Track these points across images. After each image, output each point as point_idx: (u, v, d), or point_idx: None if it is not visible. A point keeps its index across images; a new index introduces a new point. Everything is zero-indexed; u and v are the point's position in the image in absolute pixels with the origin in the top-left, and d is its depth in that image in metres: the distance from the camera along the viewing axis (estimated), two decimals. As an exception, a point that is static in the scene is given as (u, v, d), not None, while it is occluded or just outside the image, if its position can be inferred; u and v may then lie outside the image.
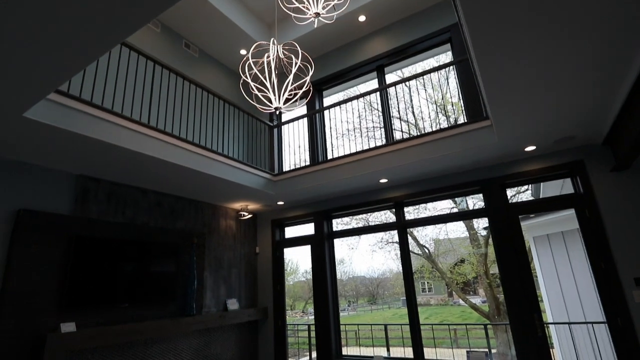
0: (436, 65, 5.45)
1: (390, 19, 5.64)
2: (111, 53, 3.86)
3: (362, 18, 5.59)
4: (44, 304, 3.42)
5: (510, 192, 7.41)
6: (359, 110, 5.29)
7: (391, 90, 5.59)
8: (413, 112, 6.69)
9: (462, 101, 4.78)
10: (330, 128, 5.57)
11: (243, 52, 6.11)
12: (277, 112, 3.47)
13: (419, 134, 4.33)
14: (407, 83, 4.86)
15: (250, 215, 5.98)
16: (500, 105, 3.10)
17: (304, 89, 3.52)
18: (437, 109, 6.14)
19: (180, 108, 4.41)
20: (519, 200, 4.44)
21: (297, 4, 3.51)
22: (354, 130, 5.52)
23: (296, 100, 3.64)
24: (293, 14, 3.54)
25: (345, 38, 6.02)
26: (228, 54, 6.11)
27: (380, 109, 5.53)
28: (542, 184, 5.22)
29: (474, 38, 2.29)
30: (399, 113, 5.21)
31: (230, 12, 5.44)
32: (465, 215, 5.83)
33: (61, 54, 2.06)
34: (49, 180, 3.67)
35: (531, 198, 6.71)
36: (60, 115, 2.98)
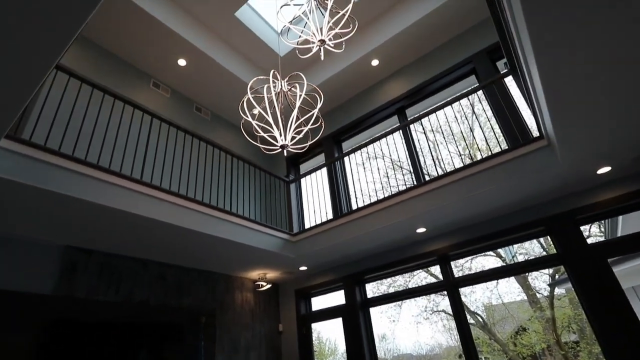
0: (461, 104, 4.98)
1: (404, 60, 5.35)
2: (101, 108, 3.61)
3: (375, 62, 5.34)
4: (5, 415, 2.68)
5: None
6: (385, 169, 4.76)
7: (418, 128, 5.07)
8: (437, 161, 6.07)
9: (499, 128, 4.14)
10: (352, 178, 4.99)
11: (255, 111, 5.91)
12: (285, 152, 2.97)
13: (455, 168, 3.64)
14: (434, 114, 4.33)
15: (269, 286, 5.19)
16: (566, 116, 2.45)
17: (311, 124, 3.03)
18: (473, 136, 5.51)
19: (180, 164, 4.02)
20: (603, 240, 3.49)
21: (302, 36, 3.20)
22: (382, 189, 4.92)
23: (306, 137, 3.13)
24: (297, 46, 3.22)
25: (360, 85, 5.74)
26: (239, 114, 5.91)
27: (405, 148, 4.96)
28: (620, 217, 4.23)
29: (535, 34, 1.82)
30: (432, 155, 4.62)
31: (240, 71, 5.34)
32: (532, 265, 4.37)
33: None
34: (28, 253, 3.16)
35: (601, 239, 5.54)
36: (37, 173, 2.58)
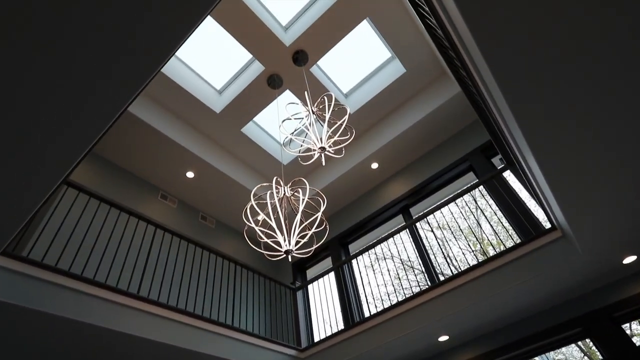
0: (464, 200, 5.03)
1: (403, 161, 5.58)
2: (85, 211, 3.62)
3: (374, 166, 5.56)
4: None
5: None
6: (396, 270, 4.58)
7: (425, 227, 4.99)
8: (449, 259, 5.85)
9: (507, 221, 4.05)
10: (362, 281, 4.72)
11: (259, 217, 5.95)
12: (290, 257, 2.85)
13: (469, 266, 3.45)
14: (440, 211, 4.29)
15: (276, 417, 4.43)
16: (578, 209, 2.41)
17: (315, 227, 2.99)
18: (481, 230, 5.34)
19: (181, 275, 3.85)
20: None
21: (304, 145, 3.39)
22: (395, 291, 4.68)
23: (311, 241, 3.05)
24: (299, 154, 3.39)
25: (362, 187, 5.87)
26: (244, 221, 5.94)
27: (414, 247, 4.79)
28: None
29: (528, 132, 1.89)
30: (443, 253, 4.46)
31: (245, 180, 5.54)
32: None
33: None
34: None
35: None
36: (22, 291, 2.44)
